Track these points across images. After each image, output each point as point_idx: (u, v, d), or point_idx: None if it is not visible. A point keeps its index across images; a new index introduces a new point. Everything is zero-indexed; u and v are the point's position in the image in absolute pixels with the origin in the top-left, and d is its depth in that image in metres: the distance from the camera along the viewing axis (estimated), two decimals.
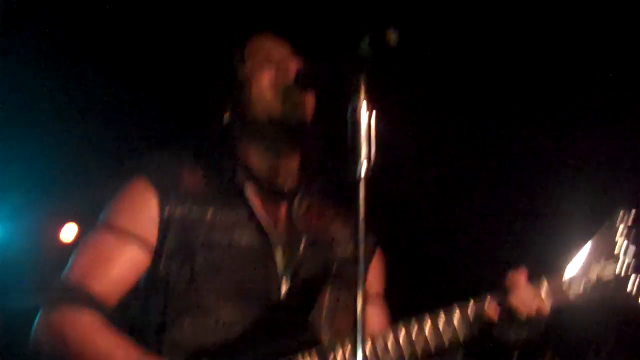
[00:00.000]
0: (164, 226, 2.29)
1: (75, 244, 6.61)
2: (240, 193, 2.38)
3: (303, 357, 2.20)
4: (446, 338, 2.23)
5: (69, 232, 6.66)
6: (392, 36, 1.92)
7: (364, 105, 1.95)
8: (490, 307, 2.24)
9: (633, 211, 2.28)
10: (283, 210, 2.44)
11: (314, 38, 2.63)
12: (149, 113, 5.57)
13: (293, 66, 2.43)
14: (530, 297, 2.23)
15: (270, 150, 2.42)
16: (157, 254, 2.29)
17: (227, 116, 2.44)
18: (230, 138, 2.44)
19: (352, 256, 2.28)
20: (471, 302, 2.28)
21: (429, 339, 2.23)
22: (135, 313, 2.34)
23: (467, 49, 4.09)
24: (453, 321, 2.24)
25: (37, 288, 6.07)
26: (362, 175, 1.90)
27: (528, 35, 4.10)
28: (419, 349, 2.22)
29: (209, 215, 2.32)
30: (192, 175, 2.38)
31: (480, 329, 2.23)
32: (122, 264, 2.26)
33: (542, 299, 2.25)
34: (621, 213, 2.29)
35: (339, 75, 2.04)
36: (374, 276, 2.51)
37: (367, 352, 2.18)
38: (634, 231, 2.27)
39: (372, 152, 1.92)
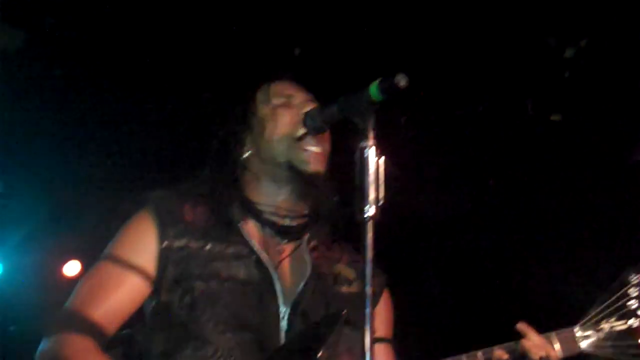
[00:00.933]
0: (163, 258, 2.36)
1: (79, 279, 6.62)
2: (239, 229, 2.44)
3: None
4: None
5: (71, 269, 6.66)
6: (402, 80, 1.96)
7: (372, 147, 1.98)
8: (499, 353, 2.37)
9: None
10: (288, 248, 2.48)
11: (328, 83, 2.68)
12: (155, 149, 5.59)
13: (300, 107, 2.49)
14: (541, 342, 2.39)
15: (283, 192, 2.47)
16: (158, 285, 2.36)
17: (247, 153, 2.51)
18: (240, 175, 2.50)
19: (358, 293, 2.38)
20: (479, 352, 2.39)
21: None
22: (141, 342, 2.43)
23: (474, 92, 4.12)
24: None
25: (39, 323, 6.06)
26: (371, 215, 1.93)
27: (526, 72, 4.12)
28: None
29: (207, 249, 2.38)
30: (193, 211, 2.45)
31: None
32: (121, 293, 2.34)
33: (552, 346, 2.40)
34: (632, 276, 2.44)
35: (347, 118, 2.07)
36: (382, 319, 2.56)
37: None
38: None
39: (380, 194, 1.95)
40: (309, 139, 2.43)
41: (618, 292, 2.42)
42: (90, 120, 5.52)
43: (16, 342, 6.28)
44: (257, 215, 2.46)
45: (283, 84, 2.60)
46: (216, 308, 2.30)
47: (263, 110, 2.52)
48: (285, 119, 2.47)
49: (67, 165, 5.96)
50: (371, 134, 2.00)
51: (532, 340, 2.39)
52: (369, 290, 1.91)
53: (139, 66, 5.00)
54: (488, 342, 2.43)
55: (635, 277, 2.42)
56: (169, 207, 2.43)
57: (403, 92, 1.98)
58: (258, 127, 2.50)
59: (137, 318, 2.43)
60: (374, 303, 2.46)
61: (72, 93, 5.31)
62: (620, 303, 2.41)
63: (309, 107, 2.47)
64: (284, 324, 2.34)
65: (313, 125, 2.35)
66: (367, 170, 1.97)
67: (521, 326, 2.43)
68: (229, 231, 2.43)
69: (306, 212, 2.50)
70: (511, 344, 2.41)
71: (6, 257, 6.57)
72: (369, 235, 1.93)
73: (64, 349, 2.25)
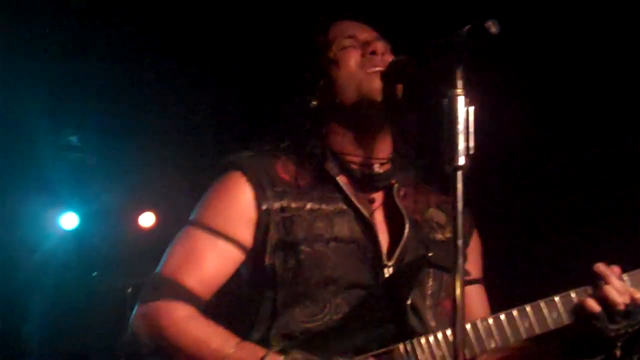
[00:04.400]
0: (263, 222, 2.29)
1: (153, 231, 6.76)
2: (335, 184, 2.37)
3: (406, 345, 2.20)
4: (548, 325, 2.24)
5: (146, 220, 6.78)
6: (493, 26, 1.90)
7: (461, 96, 1.93)
8: (590, 299, 2.23)
9: None
10: (379, 197, 2.42)
11: (408, 29, 2.61)
12: (233, 103, 5.59)
13: (380, 46, 2.40)
14: (624, 287, 2.23)
15: (361, 136, 2.38)
16: (259, 250, 2.30)
17: (314, 103, 2.42)
18: (320, 126, 2.42)
19: (448, 240, 2.36)
20: (572, 292, 2.27)
21: (533, 325, 2.23)
22: (243, 304, 2.36)
23: (566, 39, 3.96)
24: (557, 309, 2.25)
25: (117, 271, 6.23)
26: (461, 165, 1.89)
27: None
28: (522, 333, 2.23)
29: (307, 208, 2.31)
30: (286, 169, 2.37)
31: (581, 320, 2.23)
32: (215, 260, 2.27)
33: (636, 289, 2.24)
34: None
35: (435, 67, 2.02)
36: (473, 260, 2.49)
37: (471, 336, 2.21)
38: None
39: (470, 143, 1.91)
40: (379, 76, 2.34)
41: None
42: (166, 73, 5.53)
43: (97, 287, 6.46)
44: (347, 167, 2.38)
45: (345, 23, 2.50)
46: (322, 270, 2.25)
47: (328, 54, 2.41)
48: (352, 59, 2.38)
49: (143, 118, 6.02)
50: (460, 82, 1.94)
51: (614, 285, 2.20)
52: (460, 243, 1.87)
53: (212, 25, 4.96)
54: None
55: None
56: (262, 168, 2.35)
57: (494, 39, 1.92)
58: (325, 74, 2.41)
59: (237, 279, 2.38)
60: (465, 244, 2.47)
61: (145, 47, 5.33)
62: None
63: (376, 43, 2.39)
64: (389, 279, 2.29)
65: (397, 76, 2.29)
66: (456, 119, 1.92)
67: (600, 267, 2.23)
68: (327, 187, 2.35)
69: (390, 156, 2.43)
70: (587, 288, 2.25)
71: (83, 209, 6.72)
72: (459, 186, 1.89)
73: (167, 315, 2.21)
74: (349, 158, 2.39)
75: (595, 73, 4.09)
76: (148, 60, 5.47)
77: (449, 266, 2.10)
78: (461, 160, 1.89)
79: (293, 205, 2.31)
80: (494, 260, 2.62)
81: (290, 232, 2.28)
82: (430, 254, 2.29)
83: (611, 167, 4.23)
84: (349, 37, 2.44)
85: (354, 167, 2.39)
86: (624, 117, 4.15)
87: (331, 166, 2.38)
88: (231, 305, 2.37)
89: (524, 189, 4.50)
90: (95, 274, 6.51)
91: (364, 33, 2.46)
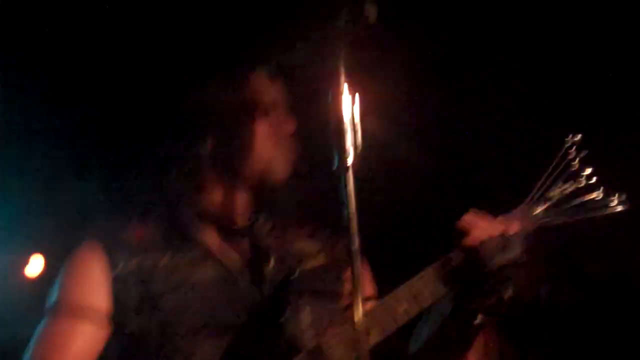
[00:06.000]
0: (120, 287, 2.21)
1: (41, 277, 6.43)
2: (191, 235, 2.31)
3: None
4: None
5: (35, 265, 6.48)
6: (371, 11, 1.78)
7: (345, 90, 1.80)
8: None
9: (579, 135, 2.34)
10: (245, 242, 2.35)
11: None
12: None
13: (290, 122, 2.34)
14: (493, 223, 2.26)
15: (239, 197, 2.33)
16: (122, 316, 2.21)
17: (204, 151, 2.31)
18: (193, 175, 2.31)
19: (324, 265, 2.37)
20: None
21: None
22: None
23: (450, 22, 3.86)
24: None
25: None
26: (349, 165, 1.77)
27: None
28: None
29: (163, 262, 2.25)
30: (141, 226, 2.31)
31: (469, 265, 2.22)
32: (79, 343, 2.19)
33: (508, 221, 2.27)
34: (569, 137, 2.34)
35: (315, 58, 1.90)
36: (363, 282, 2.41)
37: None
38: (584, 153, 2.34)
39: (358, 140, 1.78)
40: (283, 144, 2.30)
41: (558, 156, 2.34)
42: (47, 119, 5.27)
43: None
44: (209, 220, 2.32)
45: (254, 74, 2.35)
46: (189, 318, 2.18)
47: (232, 107, 2.30)
48: (262, 135, 2.29)
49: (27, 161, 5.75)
50: (343, 75, 1.81)
51: (483, 229, 2.21)
52: (357, 247, 1.74)
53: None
54: None
55: (570, 138, 2.34)
56: (113, 232, 2.29)
57: (374, 26, 1.80)
58: (224, 128, 2.30)
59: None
60: (342, 269, 2.35)
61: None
62: (563, 167, 2.33)
63: (292, 125, 2.33)
64: (257, 316, 2.23)
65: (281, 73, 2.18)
66: (342, 115, 1.79)
67: (465, 220, 2.25)
68: (183, 239, 2.29)
69: (262, 208, 2.37)
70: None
71: None
72: (350, 185, 1.75)
73: None
74: (215, 211, 2.32)
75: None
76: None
77: (324, 293, 2.22)
78: (350, 160, 1.77)
79: (148, 262, 2.24)
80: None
81: (149, 288, 2.21)
82: (292, 279, 2.26)
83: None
84: (259, 92, 2.32)
85: (219, 221, 2.32)
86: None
87: (186, 217, 2.32)
88: None
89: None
90: None
91: (273, 93, 2.35)
